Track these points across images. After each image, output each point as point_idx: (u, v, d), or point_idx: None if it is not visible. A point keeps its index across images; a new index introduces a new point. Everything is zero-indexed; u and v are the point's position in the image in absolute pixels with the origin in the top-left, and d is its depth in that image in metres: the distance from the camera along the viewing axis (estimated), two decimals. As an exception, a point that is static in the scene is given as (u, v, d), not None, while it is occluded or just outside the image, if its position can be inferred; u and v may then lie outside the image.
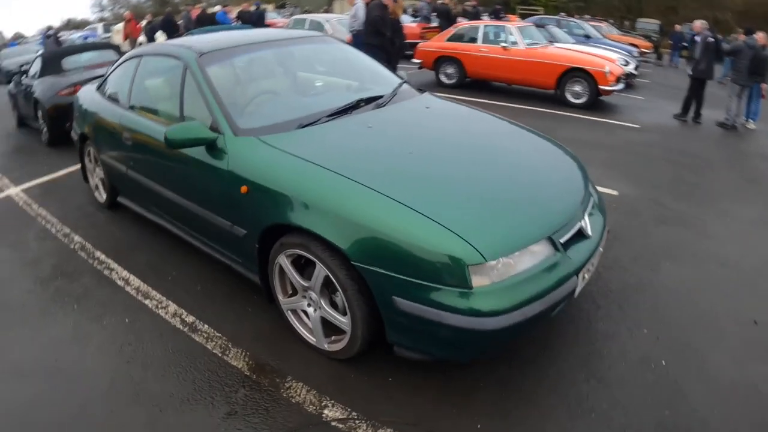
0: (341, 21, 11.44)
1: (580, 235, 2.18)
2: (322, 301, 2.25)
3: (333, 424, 2.03)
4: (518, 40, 8.34)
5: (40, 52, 7.45)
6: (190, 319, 2.76)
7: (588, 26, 13.94)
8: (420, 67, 9.60)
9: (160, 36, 11.95)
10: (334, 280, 2.07)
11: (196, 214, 2.81)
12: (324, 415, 2.07)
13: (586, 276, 2.17)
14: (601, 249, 2.33)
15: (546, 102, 8.22)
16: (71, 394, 2.31)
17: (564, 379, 2.25)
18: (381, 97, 2.98)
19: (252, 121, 2.56)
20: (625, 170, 5.07)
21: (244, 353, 2.47)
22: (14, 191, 4.85)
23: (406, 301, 1.87)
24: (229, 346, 2.53)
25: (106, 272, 3.30)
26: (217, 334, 2.62)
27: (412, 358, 2.05)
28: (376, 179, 2.07)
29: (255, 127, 2.50)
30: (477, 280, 1.79)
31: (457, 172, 2.24)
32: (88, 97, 4.07)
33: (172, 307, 2.88)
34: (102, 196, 4.20)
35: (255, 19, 12.25)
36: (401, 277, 1.86)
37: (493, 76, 8.84)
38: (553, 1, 24.43)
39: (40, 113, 6.09)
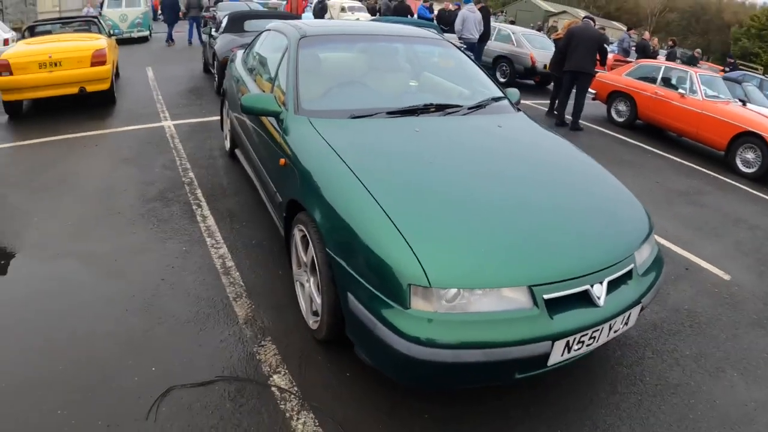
0: (525, 34, 11.29)
1: (587, 300, 1.96)
2: (312, 280, 2.39)
3: (272, 389, 2.18)
4: (697, 89, 7.39)
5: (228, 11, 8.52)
6: (230, 264, 3.11)
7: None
8: (594, 98, 8.88)
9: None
10: (316, 261, 2.19)
11: (263, 177, 3.14)
12: (271, 379, 2.23)
13: (576, 348, 1.93)
14: (621, 326, 2.08)
15: (711, 163, 7.20)
16: (106, 286, 2.81)
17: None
18: (456, 106, 2.97)
19: (316, 105, 2.77)
20: (760, 260, 4.28)
21: (250, 305, 2.73)
22: (167, 124, 5.81)
23: (355, 300, 1.92)
24: (243, 295, 2.82)
25: (194, 207, 3.84)
26: (241, 283, 2.93)
27: (365, 362, 2.04)
28: (375, 180, 2.13)
29: (314, 109, 2.71)
30: (418, 303, 1.75)
31: (465, 193, 2.17)
32: (236, 57, 4.69)
33: (223, 249, 3.26)
34: (227, 145, 4.83)
35: (451, 21, 11.68)
36: (355, 275, 1.92)
37: (663, 122, 7.94)
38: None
39: (215, 63, 7.10)
